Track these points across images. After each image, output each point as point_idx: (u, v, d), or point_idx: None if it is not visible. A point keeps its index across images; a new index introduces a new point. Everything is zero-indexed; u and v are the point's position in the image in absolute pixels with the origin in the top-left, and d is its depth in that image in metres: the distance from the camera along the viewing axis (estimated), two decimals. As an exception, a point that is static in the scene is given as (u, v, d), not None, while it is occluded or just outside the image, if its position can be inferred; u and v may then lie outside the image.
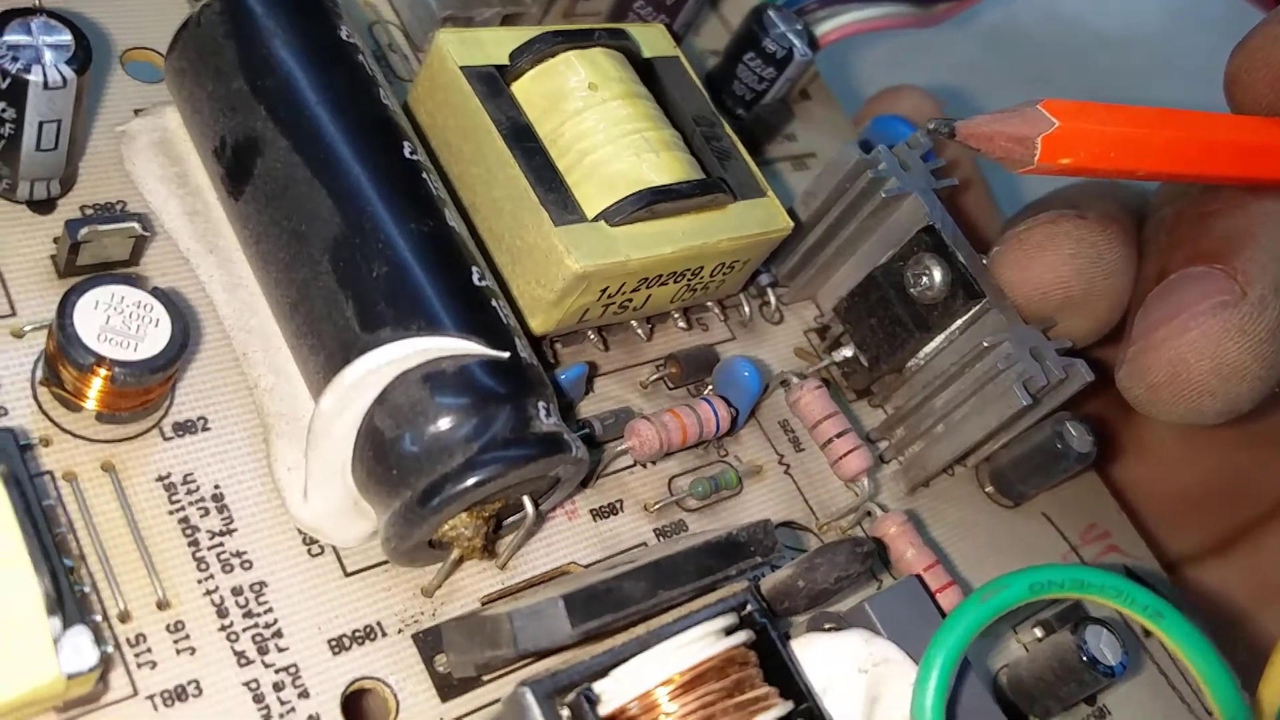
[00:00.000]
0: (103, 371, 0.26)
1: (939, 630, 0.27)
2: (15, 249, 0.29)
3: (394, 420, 0.26)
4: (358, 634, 0.28)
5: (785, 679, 0.27)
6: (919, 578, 0.31)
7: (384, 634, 0.28)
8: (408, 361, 0.26)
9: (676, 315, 0.36)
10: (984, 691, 0.30)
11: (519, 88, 0.33)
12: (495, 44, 0.33)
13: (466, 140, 0.32)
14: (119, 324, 0.26)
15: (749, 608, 0.28)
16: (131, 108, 0.32)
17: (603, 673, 0.25)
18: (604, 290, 0.32)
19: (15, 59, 0.26)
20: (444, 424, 0.26)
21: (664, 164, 0.32)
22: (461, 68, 0.32)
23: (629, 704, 0.25)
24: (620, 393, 0.35)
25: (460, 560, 0.28)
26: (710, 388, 0.35)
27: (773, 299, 0.39)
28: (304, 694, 0.26)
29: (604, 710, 0.25)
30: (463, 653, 0.27)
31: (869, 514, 0.35)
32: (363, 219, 0.28)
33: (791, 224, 0.35)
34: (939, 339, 0.37)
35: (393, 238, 0.27)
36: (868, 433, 0.38)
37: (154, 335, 0.26)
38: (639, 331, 0.35)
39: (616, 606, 0.25)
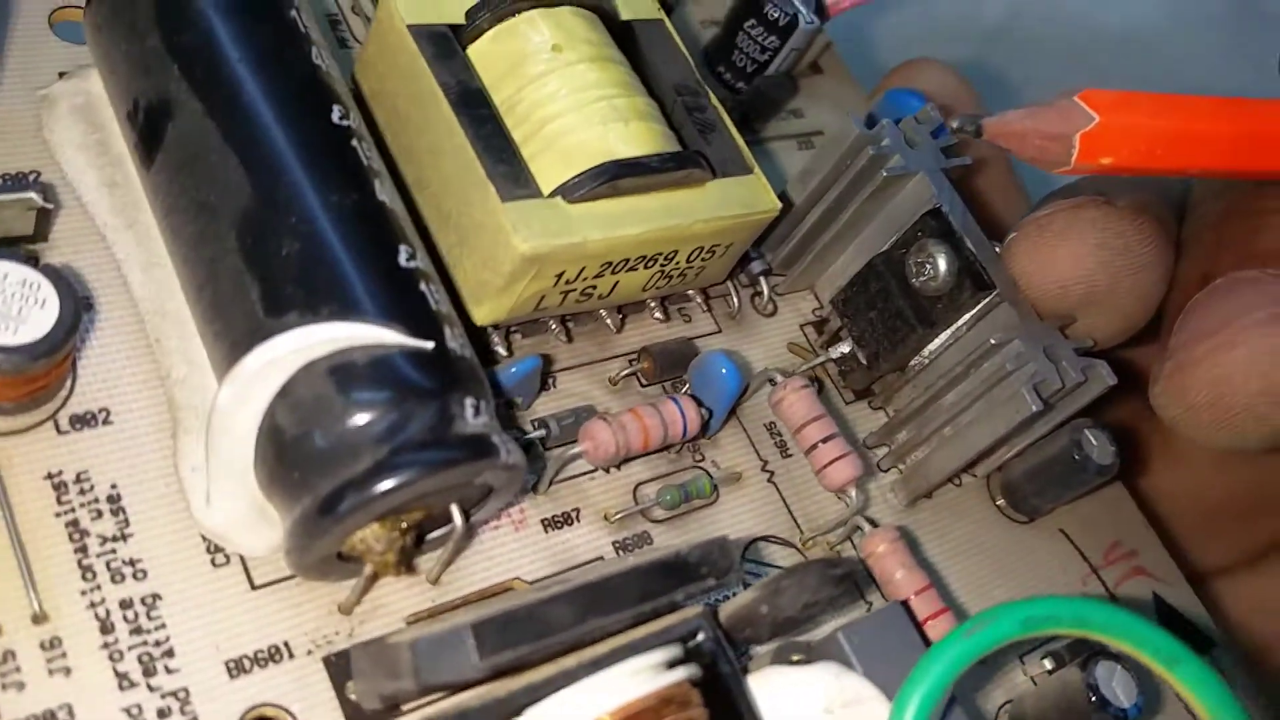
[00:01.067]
0: (-26, 358, 0.23)
1: (915, 668, 0.24)
2: (-93, 220, 0.26)
3: (296, 416, 0.23)
4: (261, 655, 0.25)
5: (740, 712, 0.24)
6: (905, 604, 0.28)
7: (291, 656, 0.25)
8: (314, 351, 0.23)
9: (653, 305, 0.33)
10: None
11: (476, 50, 0.30)
12: (451, 1, 0.30)
13: (415, 107, 0.29)
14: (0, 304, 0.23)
15: (700, 636, 0.24)
16: (57, 70, 0.30)
17: (518, 712, 0.22)
18: (560, 275, 0.28)
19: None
20: (350, 422, 0.23)
21: (634, 134, 0.29)
22: (410, 26, 0.29)
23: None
24: (586, 389, 0.31)
25: (375, 576, 0.25)
26: (686, 386, 0.32)
27: (765, 288, 0.36)
28: (193, 721, 0.24)
29: (521, 754, 0.22)
30: (368, 681, 0.24)
31: (858, 529, 0.32)
32: (276, 190, 0.25)
33: (779, 205, 0.31)
34: (944, 335, 0.33)
35: (308, 211, 0.25)
36: (864, 439, 0.35)
37: (38, 318, 0.24)
38: (609, 322, 0.32)
39: (536, 636, 0.22)
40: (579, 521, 0.29)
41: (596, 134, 0.29)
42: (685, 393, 0.31)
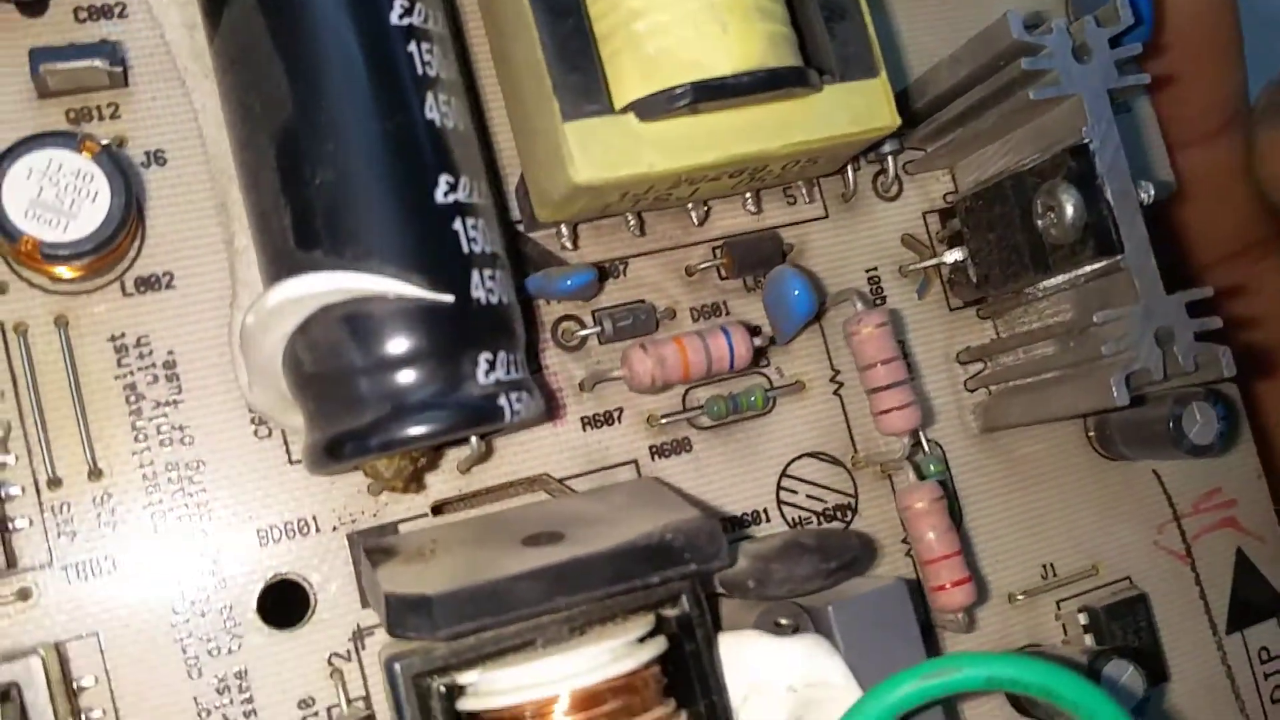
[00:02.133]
0: (29, 248, 0.24)
1: (858, 702, 0.24)
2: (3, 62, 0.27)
3: (312, 356, 0.24)
4: (290, 526, 0.27)
5: (700, 686, 0.25)
6: (910, 584, 0.28)
7: (317, 529, 0.27)
8: (330, 297, 0.24)
9: (748, 195, 0.31)
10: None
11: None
12: None
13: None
14: (52, 197, 0.24)
15: (676, 609, 0.25)
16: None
17: (478, 662, 0.24)
18: (625, 194, 0.27)
19: None
20: (358, 375, 0.24)
21: (731, 42, 0.26)
22: (502, -102, 0.26)
23: (504, 709, 0.24)
24: (658, 279, 0.30)
25: (403, 489, 0.27)
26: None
27: (891, 168, 0.32)
28: (221, 583, 0.27)
29: (473, 706, 0.24)
30: (366, 582, 0.26)
31: (903, 470, 0.31)
32: (316, 109, 0.24)
33: (897, 121, 0.28)
34: (1059, 279, 0.30)
35: (345, 139, 0.24)
36: (959, 353, 0.33)
37: (89, 212, 0.25)
38: (692, 214, 0.30)
39: (499, 609, 0.23)
40: (619, 422, 0.30)
41: (685, 40, 0.26)
42: (731, 322, 0.29)
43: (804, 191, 0.32)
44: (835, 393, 0.31)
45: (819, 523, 0.31)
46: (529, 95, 0.26)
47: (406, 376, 0.24)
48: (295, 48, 0.24)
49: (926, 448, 0.32)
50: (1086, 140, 0.28)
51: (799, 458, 0.31)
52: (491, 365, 0.25)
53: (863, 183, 0.33)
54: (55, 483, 0.26)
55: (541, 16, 0.26)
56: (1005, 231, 0.30)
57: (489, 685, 0.24)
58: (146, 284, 0.27)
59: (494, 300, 0.25)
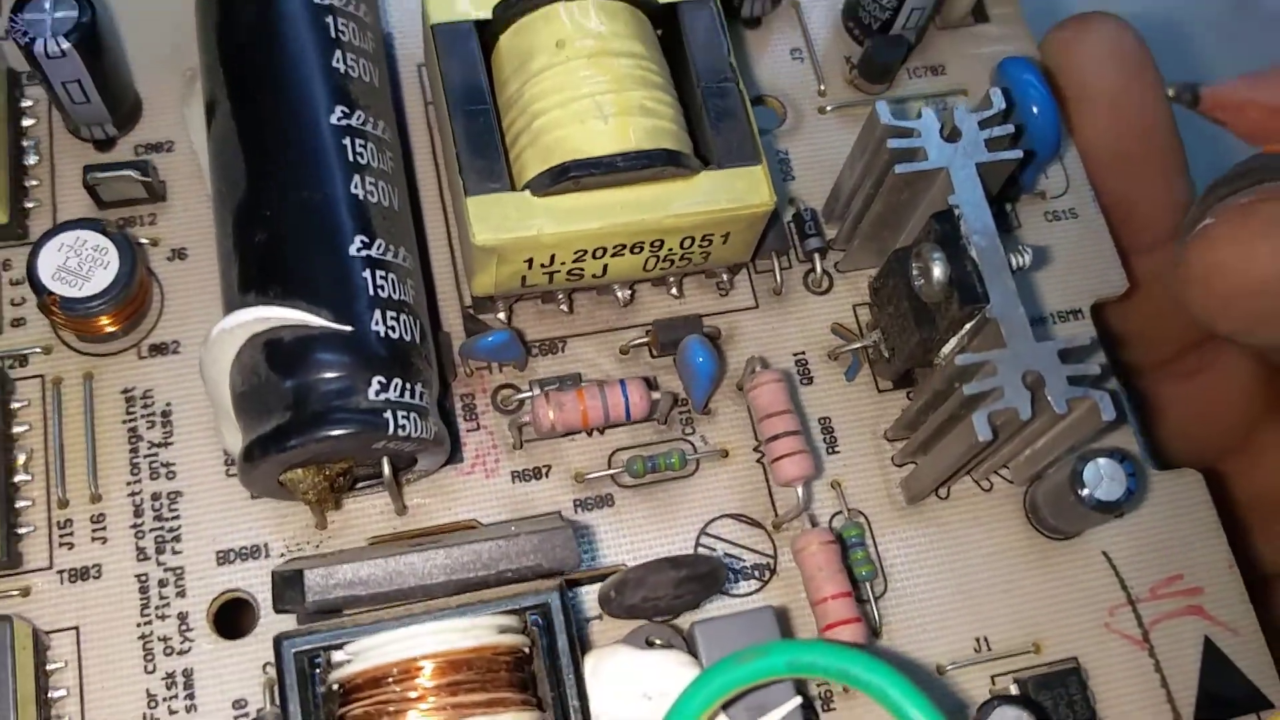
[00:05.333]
0: (54, 304, 0.31)
1: (689, 685, 0.26)
2: (72, 180, 0.35)
3: (241, 377, 0.29)
4: (245, 550, 0.32)
5: (552, 678, 0.27)
6: (778, 612, 0.29)
7: (267, 555, 0.32)
8: (253, 327, 0.29)
9: (672, 280, 0.35)
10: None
11: (503, 43, 0.33)
12: (485, -5, 0.33)
13: (435, 94, 0.33)
14: (75, 264, 0.31)
15: (539, 614, 0.28)
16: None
17: (355, 638, 0.27)
18: (529, 261, 0.32)
19: (25, 33, 0.32)
20: (270, 388, 0.29)
21: (611, 131, 0.31)
22: (435, 25, 0.33)
23: (369, 671, 0.27)
24: (593, 356, 0.34)
25: (318, 504, 0.31)
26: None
27: (818, 266, 0.36)
28: (181, 594, 0.31)
29: (348, 670, 0.27)
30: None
31: (813, 523, 0.32)
32: (262, 186, 0.30)
33: (773, 200, 0.32)
34: (951, 342, 0.32)
35: (279, 207, 0.30)
36: (885, 430, 0.34)
37: (100, 276, 0.31)
38: (618, 295, 0.34)
39: (360, 587, 0.27)
40: (547, 477, 0.33)
41: (573, 132, 0.31)
42: (630, 378, 0.33)
43: (730, 282, 0.35)
44: (758, 461, 0.34)
45: (737, 580, 0.32)
46: (452, 180, 0.32)
47: (305, 390, 0.28)
48: (251, 139, 0.31)
49: (847, 515, 0.33)
50: (953, 206, 0.31)
51: (719, 518, 0.33)
52: (384, 387, 0.29)
53: (794, 279, 0.36)
54: (64, 503, 0.32)
55: (458, 115, 0.32)
56: (898, 303, 0.33)
57: (361, 649, 0.27)
58: (158, 350, 0.33)
59: (392, 336, 0.30)
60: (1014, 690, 0.32)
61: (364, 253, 0.30)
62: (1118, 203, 0.38)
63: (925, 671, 0.32)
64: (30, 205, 0.34)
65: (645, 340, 0.34)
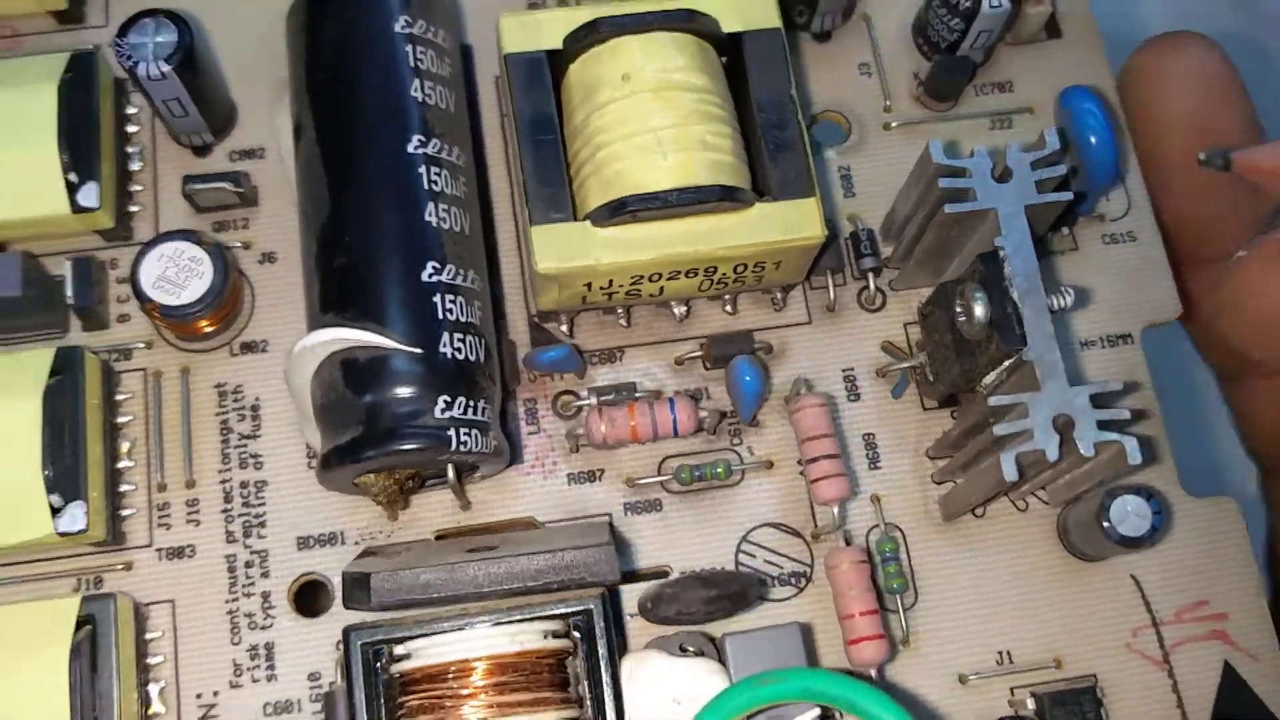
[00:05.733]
0: (154, 311, 0.34)
1: (706, 705, 0.28)
2: (172, 186, 0.37)
3: (320, 391, 0.32)
4: (322, 537, 0.35)
5: (591, 679, 0.30)
6: (805, 628, 0.31)
7: (343, 542, 0.35)
8: (331, 346, 0.31)
9: (728, 298, 0.36)
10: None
11: (572, 71, 0.35)
12: (553, 26, 0.34)
13: (508, 124, 0.35)
14: (173, 274, 0.34)
15: (574, 620, 0.30)
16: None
17: (415, 636, 0.30)
18: (589, 285, 0.34)
19: (129, 57, 0.34)
20: (346, 404, 0.31)
21: (670, 167, 0.33)
22: (508, 55, 0.34)
23: (428, 668, 0.30)
24: (648, 366, 0.36)
25: (389, 505, 0.34)
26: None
27: (872, 284, 0.37)
28: (265, 574, 0.34)
29: (409, 665, 0.30)
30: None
31: (848, 540, 0.34)
32: (343, 212, 0.32)
33: (824, 234, 0.33)
34: (991, 375, 0.33)
35: (358, 234, 0.32)
36: (927, 449, 0.36)
37: (196, 285, 0.34)
38: (675, 311, 0.36)
39: (421, 591, 0.30)
40: (600, 480, 0.35)
41: (634, 165, 0.33)
42: (678, 394, 0.35)
43: (784, 299, 0.37)
44: (800, 473, 0.36)
45: (776, 585, 0.35)
46: (523, 206, 0.34)
47: (378, 407, 0.31)
48: (333, 165, 0.33)
49: (883, 529, 0.35)
50: (999, 248, 0.32)
51: (760, 526, 0.35)
52: (449, 405, 0.31)
53: (847, 296, 0.37)
54: (162, 487, 0.35)
55: (526, 142, 0.33)
56: (942, 333, 0.34)
57: (421, 649, 0.30)
58: (248, 348, 0.36)
59: (459, 357, 0.32)
60: (1031, 705, 0.34)
61: (435, 278, 0.32)
62: (1196, 219, 0.38)
63: (947, 680, 0.34)
64: (134, 209, 0.37)
65: (699, 354, 0.36)
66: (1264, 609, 0.35)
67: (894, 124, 0.39)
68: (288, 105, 0.36)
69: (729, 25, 0.35)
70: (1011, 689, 0.34)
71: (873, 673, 0.32)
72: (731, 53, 0.35)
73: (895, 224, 0.36)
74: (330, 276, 0.32)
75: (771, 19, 0.35)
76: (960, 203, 0.33)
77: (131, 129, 0.38)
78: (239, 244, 0.37)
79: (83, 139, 0.35)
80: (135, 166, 0.38)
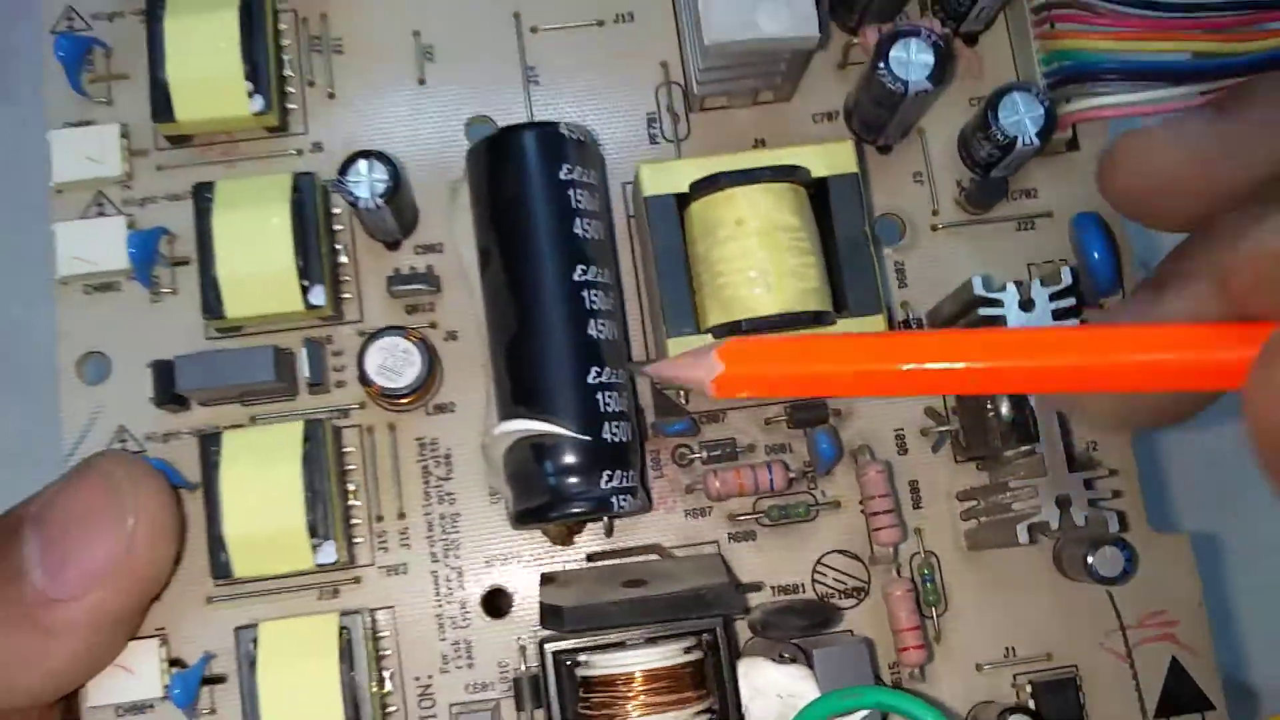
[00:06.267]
0: (374, 391, 0.45)
1: (824, 695, 0.40)
2: (371, 274, 0.48)
3: (513, 464, 0.43)
4: (503, 556, 0.46)
5: (717, 682, 0.42)
6: (869, 644, 0.43)
7: (520, 560, 0.46)
8: (522, 433, 0.42)
9: (809, 375, 0.47)
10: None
11: (694, 208, 0.44)
12: (682, 173, 0.44)
13: (644, 245, 0.45)
14: (390, 363, 0.45)
15: (705, 637, 0.42)
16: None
17: (597, 650, 0.42)
18: (709, 379, 0.44)
19: (350, 194, 0.44)
20: (533, 477, 0.42)
21: (771, 296, 0.43)
22: (648, 197, 0.44)
23: (603, 675, 0.42)
24: (745, 426, 0.47)
25: (559, 542, 0.45)
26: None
27: (920, 363, 0.48)
28: (461, 586, 0.46)
29: (584, 672, 0.42)
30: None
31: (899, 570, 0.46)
32: (526, 331, 0.43)
33: (890, 344, 0.44)
34: (1009, 454, 0.44)
35: (540, 347, 0.43)
36: (958, 493, 0.47)
37: (409, 372, 0.45)
38: (769, 386, 0.47)
39: (599, 620, 0.41)
40: (709, 516, 0.47)
41: (745, 294, 0.43)
42: (774, 460, 0.46)
43: (851, 376, 0.47)
44: (861, 511, 0.47)
45: (839, 598, 0.46)
46: (653, 311, 0.44)
47: (559, 479, 0.42)
48: (515, 291, 0.43)
49: (923, 555, 0.47)
50: (1020, 364, 0.43)
51: (830, 552, 0.47)
52: (610, 478, 0.42)
53: (900, 370, 0.48)
54: (379, 518, 0.46)
55: (663, 271, 0.44)
56: (975, 417, 0.45)
57: (597, 662, 0.42)
58: (440, 409, 0.47)
59: (617, 440, 0.43)
60: (1028, 689, 0.46)
61: (598, 379, 0.43)
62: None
63: (967, 669, 0.46)
64: (345, 296, 0.47)
65: (785, 418, 0.47)
66: (1204, 617, 0.47)
67: (939, 225, 0.49)
68: (462, 204, 0.46)
69: (817, 171, 0.45)
70: (1014, 676, 0.46)
71: (915, 670, 0.44)
72: (819, 191, 0.45)
73: (939, 320, 0.47)
74: (518, 379, 0.43)
75: (850, 166, 0.45)
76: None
77: (337, 227, 0.48)
78: (428, 324, 0.47)
79: (310, 248, 0.45)
80: (342, 260, 0.48)
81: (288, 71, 0.49)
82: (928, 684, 0.46)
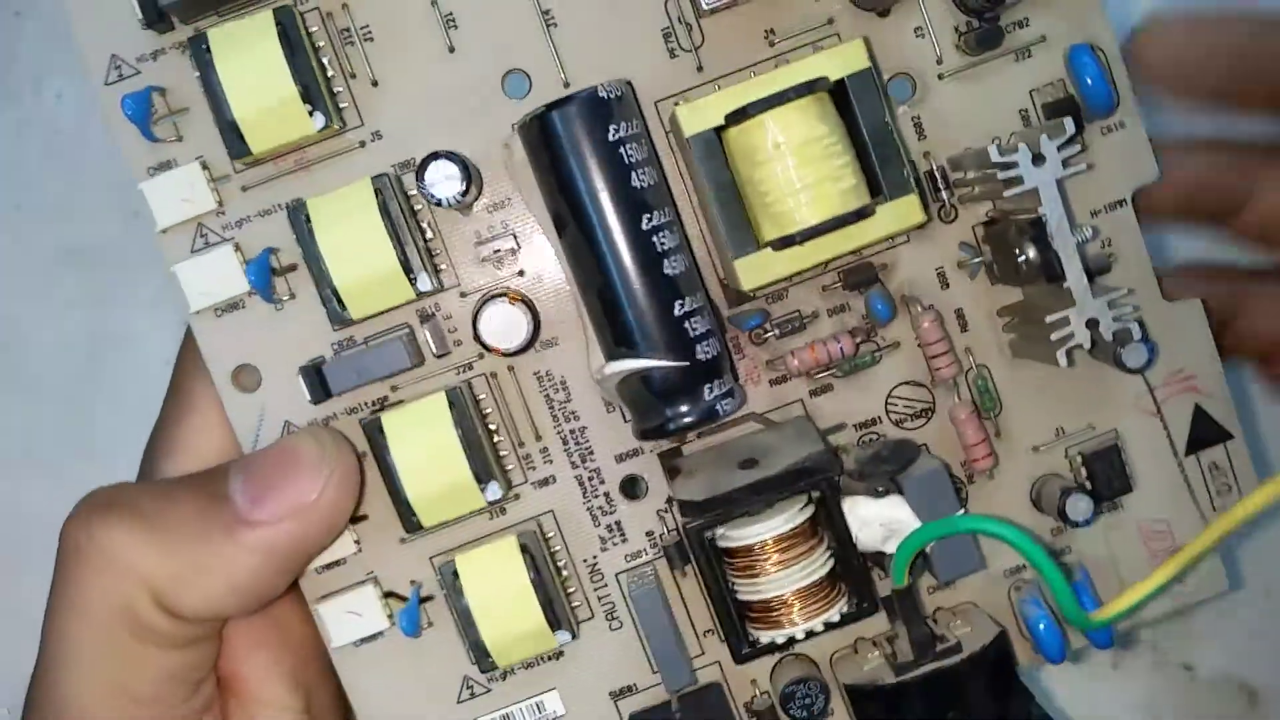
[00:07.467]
0: (496, 352, 0.52)
1: (923, 525, 0.49)
2: (455, 238, 0.54)
3: (628, 395, 0.51)
4: (629, 452, 0.55)
5: (832, 523, 0.51)
6: (947, 468, 0.52)
7: (644, 453, 0.55)
8: (630, 372, 0.50)
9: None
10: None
11: (731, 135, 0.49)
12: (717, 106, 0.49)
13: (695, 177, 0.51)
14: (499, 325, 0.52)
15: (814, 494, 0.51)
16: (509, 123, 0.53)
17: (725, 523, 0.51)
18: (777, 280, 0.51)
19: (432, 194, 0.49)
20: (648, 402, 0.50)
21: (816, 200, 0.48)
22: (690, 137, 0.49)
23: (739, 545, 0.51)
24: (805, 296, 0.54)
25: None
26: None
27: (947, 202, 0.54)
28: (601, 482, 0.55)
29: (724, 544, 0.51)
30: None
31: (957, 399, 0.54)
32: (610, 279, 0.49)
33: (924, 219, 0.50)
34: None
35: (628, 293, 0.49)
36: (998, 309, 0.55)
37: (519, 332, 0.52)
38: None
39: (726, 506, 0.50)
40: (789, 382, 0.55)
41: (790, 205, 0.49)
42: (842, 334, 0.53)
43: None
44: (917, 345, 0.55)
45: (911, 420, 0.55)
46: (714, 234, 0.51)
47: (669, 399, 0.50)
48: (594, 247, 0.49)
49: (976, 370, 0.55)
50: (1041, 216, 0.49)
51: (898, 385, 0.55)
52: (711, 389, 0.50)
53: (932, 213, 0.54)
54: (520, 444, 0.55)
55: (718, 203, 0.49)
56: (1005, 257, 0.52)
57: (732, 533, 0.51)
58: (546, 344, 0.54)
59: (709, 356, 0.50)
60: (1079, 459, 0.55)
61: (682, 310, 0.50)
62: None
63: (1026, 450, 0.56)
64: (441, 268, 0.54)
65: (839, 282, 0.54)
66: (1218, 365, 0.55)
67: (945, 74, 0.54)
68: (519, 163, 0.51)
69: (835, 75, 0.49)
70: (1066, 450, 0.56)
71: (987, 474, 0.54)
72: (839, 89, 0.50)
73: (963, 168, 0.53)
74: (615, 324, 0.50)
75: (863, 62, 0.49)
76: (1015, 186, 0.49)
77: (416, 207, 0.53)
78: (516, 273, 0.54)
79: (404, 241, 0.51)
80: (429, 236, 0.54)
81: (330, 72, 0.52)
82: (996, 478, 0.55)
